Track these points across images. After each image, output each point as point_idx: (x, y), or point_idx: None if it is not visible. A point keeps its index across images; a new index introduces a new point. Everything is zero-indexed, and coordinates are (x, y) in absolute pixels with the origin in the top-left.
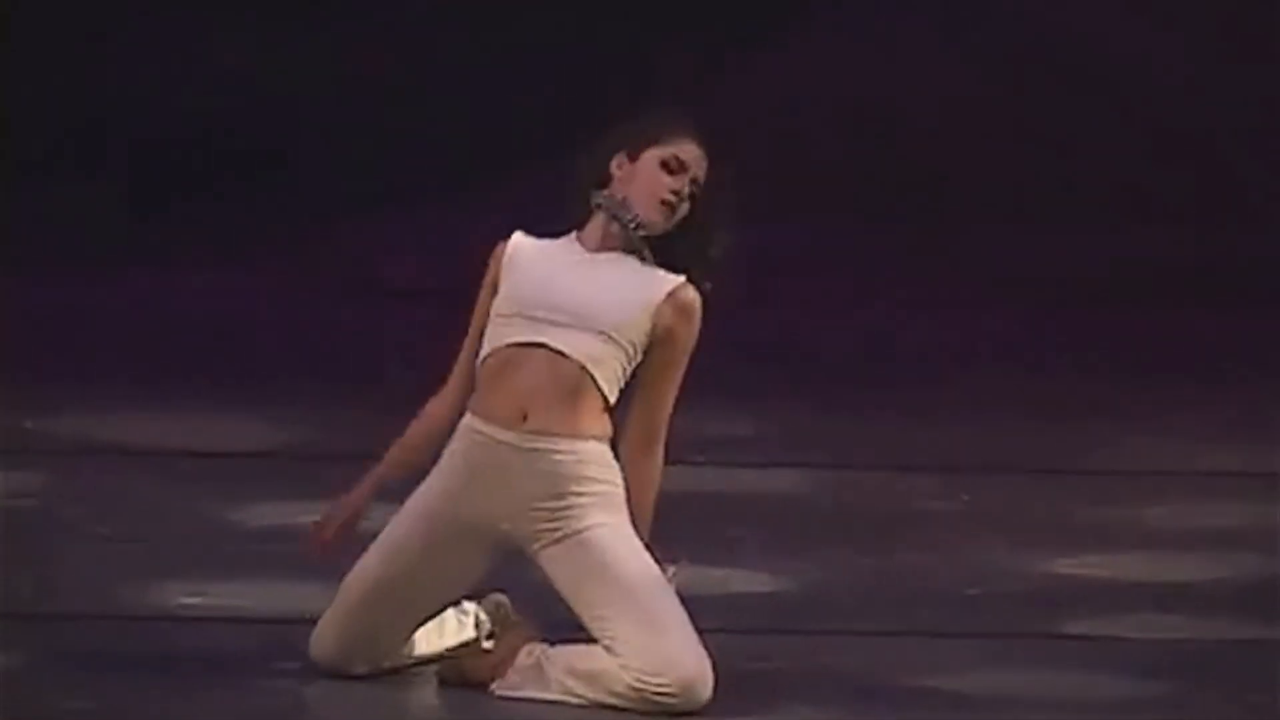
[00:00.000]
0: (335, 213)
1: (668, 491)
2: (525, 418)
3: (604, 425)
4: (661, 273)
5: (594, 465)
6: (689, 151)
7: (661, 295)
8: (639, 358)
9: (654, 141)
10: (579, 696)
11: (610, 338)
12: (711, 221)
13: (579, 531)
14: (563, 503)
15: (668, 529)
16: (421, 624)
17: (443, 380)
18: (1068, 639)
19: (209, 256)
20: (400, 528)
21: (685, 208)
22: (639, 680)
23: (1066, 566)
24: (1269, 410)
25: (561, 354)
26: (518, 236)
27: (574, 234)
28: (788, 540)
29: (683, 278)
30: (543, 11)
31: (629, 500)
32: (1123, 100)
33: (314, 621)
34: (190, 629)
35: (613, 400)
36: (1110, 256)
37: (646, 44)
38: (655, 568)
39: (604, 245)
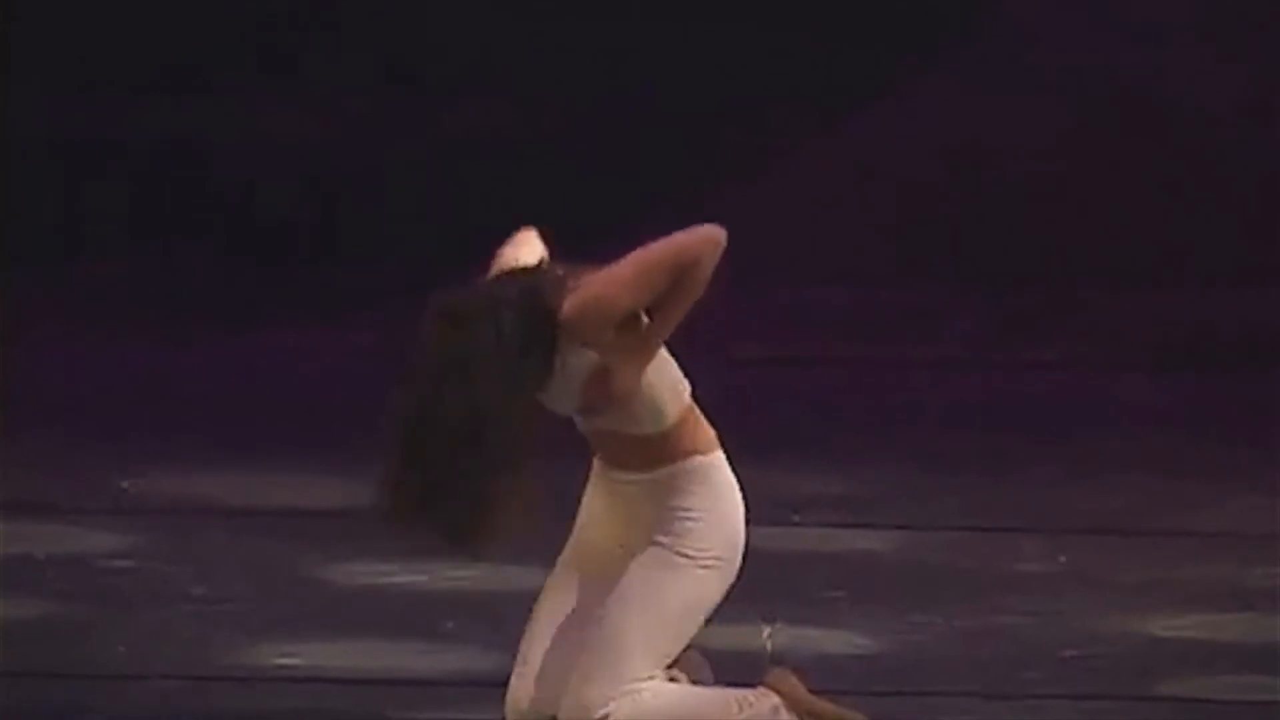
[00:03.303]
0: (423, 275)
1: (763, 550)
2: (617, 465)
3: (688, 442)
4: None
5: (676, 485)
6: None
7: (582, 351)
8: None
9: None
10: None
11: (609, 410)
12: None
13: (652, 544)
14: (648, 518)
15: (763, 589)
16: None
17: None
18: (1164, 701)
19: (301, 319)
20: (556, 570)
21: None
22: None
23: (1164, 628)
24: None
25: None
26: None
27: None
28: (884, 601)
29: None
30: (647, 72)
31: None
32: (1239, 159)
33: (409, 682)
34: (286, 689)
35: (677, 414)
36: (1211, 318)
37: (744, 107)
38: (654, 607)
39: None
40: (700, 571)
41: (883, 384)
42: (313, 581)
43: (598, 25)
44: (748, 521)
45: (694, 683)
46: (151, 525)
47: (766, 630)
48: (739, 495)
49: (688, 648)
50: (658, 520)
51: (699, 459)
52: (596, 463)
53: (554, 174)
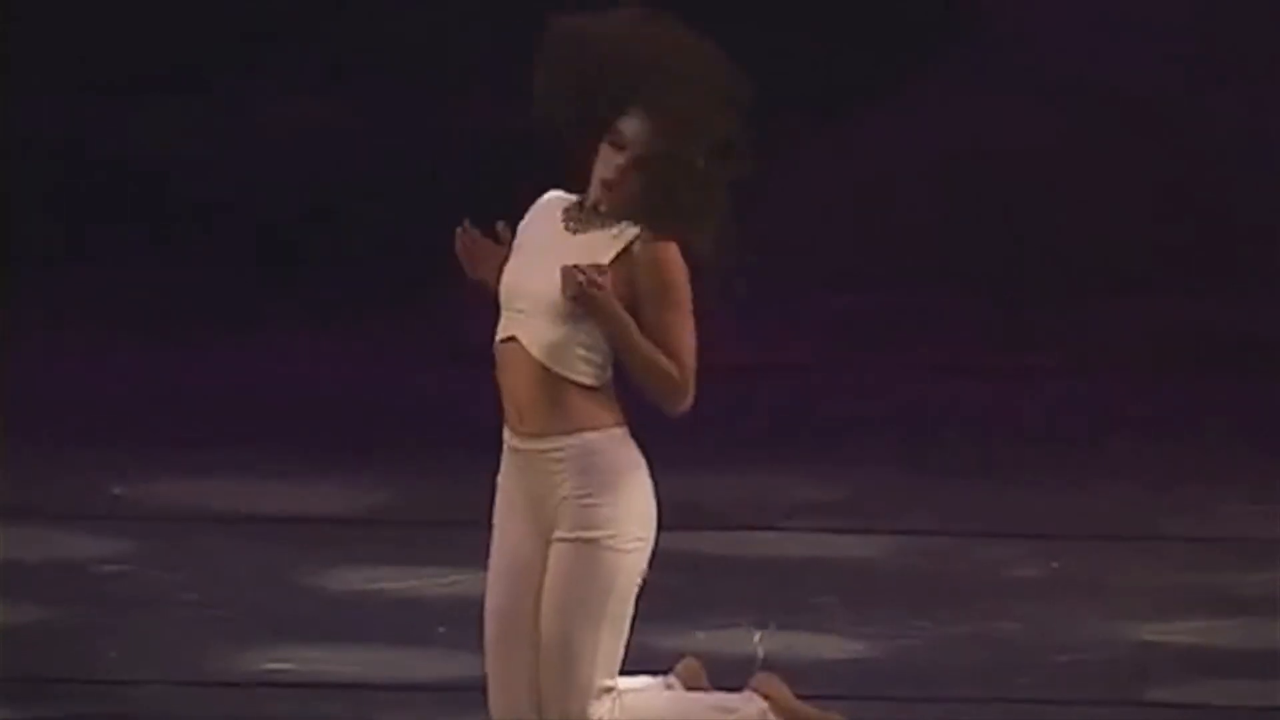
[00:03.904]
0: (424, 278)
1: (755, 555)
2: (521, 419)
3: (594, 411)
4: (626, 234)
5: (582, 459)
6: (629, 125)
7: (610, 257)
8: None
9: (612, 101)
10: None
11: (567, 318)
12: (671, 179)
13: (557, 539)
14: (551, 501)
15: (752, 595)
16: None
17: None
18: (1156, 707)
19: (295, 324)
20: (490, 573)
21: (641, 178)
22: None
23: (1156, 634)
24: None
25: (526, 348)
26: (544, 198)
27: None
28: (877, 606)
29: (635, 231)
30: None
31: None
32: (1229, 168)
33: (403, 687)
34: (278, 695)
35: (593, 378)
36: (1205, 323)
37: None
38: (581, 605)
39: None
40: (627, 557)
41: (875, 389)
42: (305, 587)
43: None
44: (742, 527)
45: (690, 690)
46: (144, 531)
47: (758, 635)
48: (645, 467)
49: (684, 655)
50: (572, 508)
51: (600, 434)
52: (508, 439)
53: (554, 174)
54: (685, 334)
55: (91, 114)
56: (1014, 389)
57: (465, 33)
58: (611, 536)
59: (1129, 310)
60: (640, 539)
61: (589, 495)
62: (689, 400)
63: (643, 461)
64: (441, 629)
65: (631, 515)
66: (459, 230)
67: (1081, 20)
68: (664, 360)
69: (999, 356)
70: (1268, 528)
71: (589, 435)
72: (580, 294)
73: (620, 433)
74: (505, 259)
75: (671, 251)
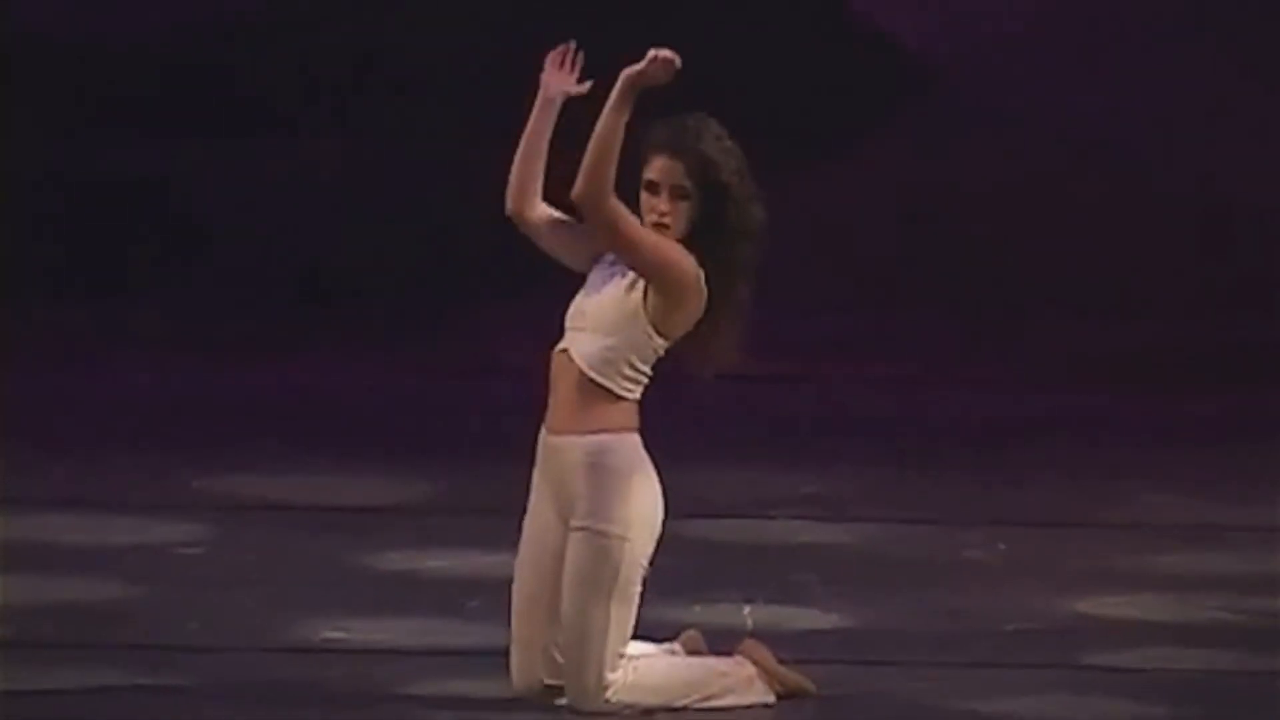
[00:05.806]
0: (456, 300)
1: (745, 541)
2: (555, 418)
3: (613, 417)
4: None
5: (595, 458)
6: (656, 167)
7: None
8: (655, 338)
9: (641, 166)
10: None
11: (607, 331)
12: (722, 209)
13: (573, 528)
14: (569, 492)
15: (743, 574)
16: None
17: None
18: (1094, 669)
19: (340, 346)
20: (520, 550)
21: (686, 206)
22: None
23: (1092, 607)
24: (1269, 473)
25: (571, 358)
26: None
27: None
28: (849, 584)
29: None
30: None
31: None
32: (1179, 189)
33: (440, 653)
34: (335, 660)
35: (628, 392)
36: (1142, 341)
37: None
38: (593, 586)
39: None
40: (632, 545)
41: (852, 398)
42: (356, 567)
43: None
44: (735, 515)
45: (691, 654)
46: (218, 519)
47: (747, 608)
48: (651, 466)
49: (689, 628)
50: (586, 502)
51: (613, 436)
52: (542, 436)
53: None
54: (641, 229)
55: (125, 147)
56: (970, 399)
57: (489, 65)
58: (619, 527)
59: (1074, 328)
60: (644, 529)
61: (600, 491)
62: (589, 198)
63: (649, 461)
64: (474, 603)
65: (636, 509)
66: (562, 48)
67: (1040, 69)
68: (611, 169)
69: (957, 371)
70: (1186, 514)
71: (604, 437)
72: (657, 60)
73: (632, 437)
74: (571, 92)
75: (687, 262)
